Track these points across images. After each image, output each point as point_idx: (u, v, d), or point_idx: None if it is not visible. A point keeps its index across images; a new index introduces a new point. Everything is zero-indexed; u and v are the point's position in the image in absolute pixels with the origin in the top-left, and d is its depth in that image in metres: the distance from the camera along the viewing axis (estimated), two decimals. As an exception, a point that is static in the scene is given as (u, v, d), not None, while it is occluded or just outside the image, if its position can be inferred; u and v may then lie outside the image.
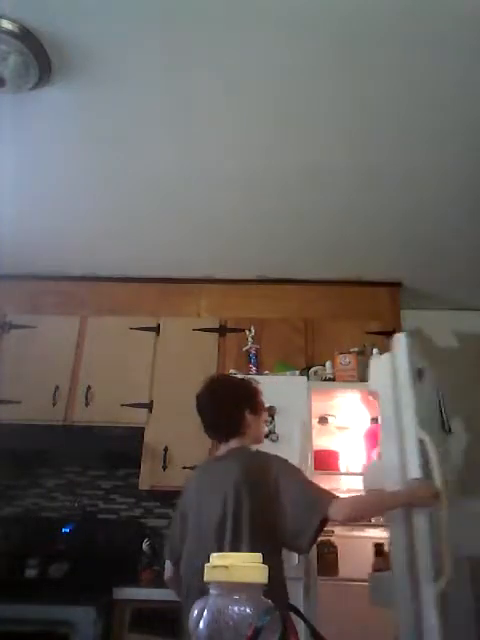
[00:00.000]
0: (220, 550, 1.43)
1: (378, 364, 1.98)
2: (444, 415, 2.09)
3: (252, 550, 1.38)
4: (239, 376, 1.99)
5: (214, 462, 1.71)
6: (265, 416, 1.88)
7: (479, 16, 1.61)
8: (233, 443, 1.68)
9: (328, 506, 1.47)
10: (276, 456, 1.63)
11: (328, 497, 1.52)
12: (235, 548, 1.43)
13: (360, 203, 2.53)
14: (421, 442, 1.74)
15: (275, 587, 1.42)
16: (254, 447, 1.70)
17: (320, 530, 1.47)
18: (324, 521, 1.47)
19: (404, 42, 1.71)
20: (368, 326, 2.98)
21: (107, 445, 2.77)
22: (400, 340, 1.94)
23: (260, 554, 0.62)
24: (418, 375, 1.89)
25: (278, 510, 1.49)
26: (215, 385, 1.77)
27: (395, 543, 1.73)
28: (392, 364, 1.91)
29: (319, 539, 2.17)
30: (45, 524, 2.94)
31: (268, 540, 1.47)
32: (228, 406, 1.69)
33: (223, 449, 1.70)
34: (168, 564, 1.74)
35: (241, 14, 1.63)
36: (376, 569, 2.19)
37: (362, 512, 1.64)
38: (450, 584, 1.58)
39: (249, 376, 2.06)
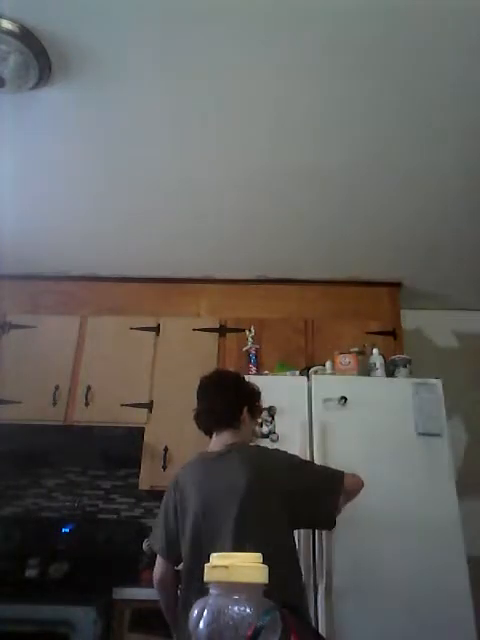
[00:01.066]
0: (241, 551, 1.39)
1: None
2: (421, 417, 2.24)
3: (274, 549, 1.32)
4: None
5: (216, 457, 1.61)
6: (257, 422, 1.97)
7: (479, 16, 1.61)
8: (227, 437, 1.63)
9: (342, 478, 1.57)
10: (277, 449, 1.68)
11: (338, 471, 1.62)
12: (259, 549, 1.38)
13: (360, 203, 2.53)
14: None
15: (295, 587, 1.47)
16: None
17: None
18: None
19: (404, 42, 1.71)
20: (368, 326, 2.98)
21: (107, 445, 2.77)
22: (311, 378, 2.37)
23: (260, 554, 0.62)
24: (341, 402, 2.26)
25: (296, 500, 1.51)
26: (222, 374, 1.87)
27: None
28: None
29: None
30: (45, 524, 2.94)
31: (287, 537, 1.52)
32: (230, 395, 1.70)
33: (218, 443, 1.64)
34: (161, 561, 1.61)
35: (241, 14, 1.64)
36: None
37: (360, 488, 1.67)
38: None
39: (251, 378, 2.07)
